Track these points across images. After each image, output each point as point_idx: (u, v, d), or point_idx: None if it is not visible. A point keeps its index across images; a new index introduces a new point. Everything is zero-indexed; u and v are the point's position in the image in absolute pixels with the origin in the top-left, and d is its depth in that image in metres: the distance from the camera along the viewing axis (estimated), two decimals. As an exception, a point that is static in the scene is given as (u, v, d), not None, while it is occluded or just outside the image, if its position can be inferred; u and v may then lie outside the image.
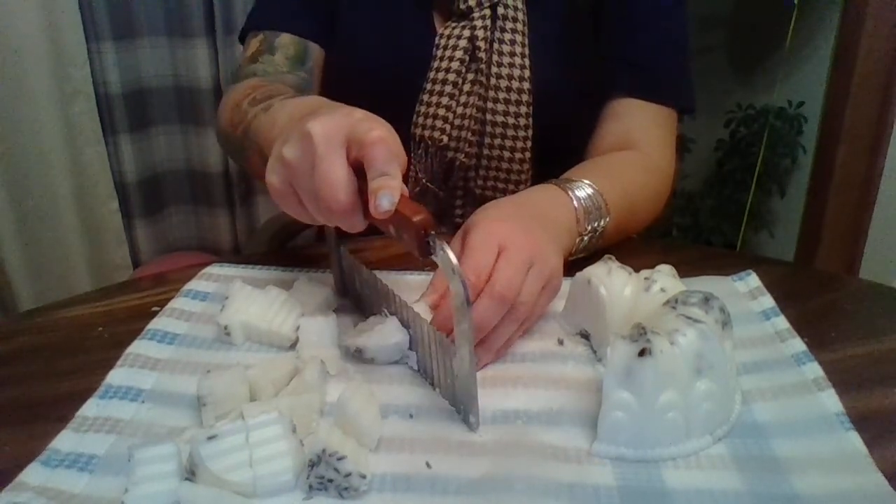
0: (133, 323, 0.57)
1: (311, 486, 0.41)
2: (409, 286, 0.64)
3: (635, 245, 0.74)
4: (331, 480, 0.40)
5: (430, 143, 0.80)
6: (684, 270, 0.56)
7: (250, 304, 0.56)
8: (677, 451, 0.43)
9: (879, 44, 1.63)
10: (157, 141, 1.64)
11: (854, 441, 0.43)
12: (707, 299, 0.47)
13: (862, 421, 0.44)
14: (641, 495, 0.41)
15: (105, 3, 1.47)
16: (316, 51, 0.83)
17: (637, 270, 0.54)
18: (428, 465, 0.43)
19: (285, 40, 0.81)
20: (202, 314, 0.59)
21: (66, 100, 1.45)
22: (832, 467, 0.42)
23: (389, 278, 0.65)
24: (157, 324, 0.57)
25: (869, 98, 1.66)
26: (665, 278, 0.53)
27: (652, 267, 0.54)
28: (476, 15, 0.78)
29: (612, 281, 0.53)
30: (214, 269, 0.66)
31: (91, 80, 1.49)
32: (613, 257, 0.55)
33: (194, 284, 0.63)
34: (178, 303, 0.60)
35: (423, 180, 0.83)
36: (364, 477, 0.40)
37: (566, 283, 0.58)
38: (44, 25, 1.38)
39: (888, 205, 1.66)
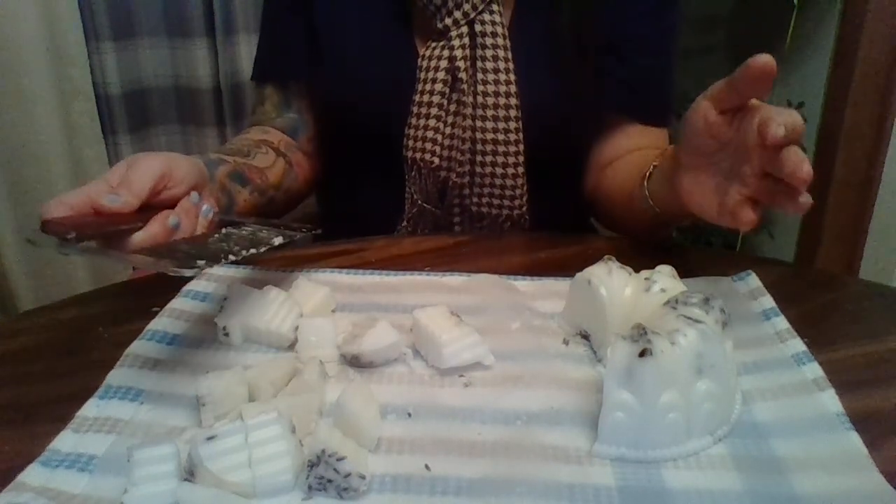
0: (133, 323, 0.57)
1: (310, 487, 0.41)
2: (409, 286, 0.64)
3: (635, 245, 0.74)
4: (330, 481, 0.40)
5: (421, 164, 0.81)
6: (684, 271, 0.56)
7: (249, 304, 0.56)
8: (678, 452, 0.43)
9: (879, 44, 1.63)
10: (158, 141, 1.64)
11: (854, 441, 0.43)
12: (707, 300, 0.47)
13: (862, 421, 0.44)
14: (642, 496, 0.41)
15: (105, 3, 1.47)
16: (301, 90, 0.89)
17: (637, 271, 0.54)
18: (427, 467, 0.43)
19: (269, 91, 0.90)
20: (201, 315, 0.59)
21: (66, 100, 1.45)
22: (832, 467, 0.41)
23: (391, 279, 0.65)
24: (156, 324, 0.57)
25: (869, 98, 1.66)
26: (665, 279, 0.53)
27: (652, 267, 0.54)
28: (453, 34, 0.78)
29: (612, 281, 0.53)
30: (214, 270, 0.66)
31: (91, 80, 1.48)
32: (614, 258, 0.55)
33: (194, 285, 0.63)
34: (177, 303, 0.60)
35: (420, 201, 0.84)
36: (363, 477, 0.40)
37: (566, 284, 0.58)
38: (44, 25, 1.38)
39: (888, 205, 1.66)
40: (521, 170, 0.82)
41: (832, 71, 1.75)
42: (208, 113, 1.61)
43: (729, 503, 0.40)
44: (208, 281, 0.64)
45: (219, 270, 0.66)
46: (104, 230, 0.52)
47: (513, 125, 0.79)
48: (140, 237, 0.53)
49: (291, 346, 0.55)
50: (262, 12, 0.91)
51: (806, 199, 0.50)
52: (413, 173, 0.83)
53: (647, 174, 0.69)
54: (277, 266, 0.68)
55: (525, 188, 0.83)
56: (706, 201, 0.58)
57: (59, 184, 1.46)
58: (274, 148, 0.83)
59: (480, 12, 0.78)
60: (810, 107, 1.84)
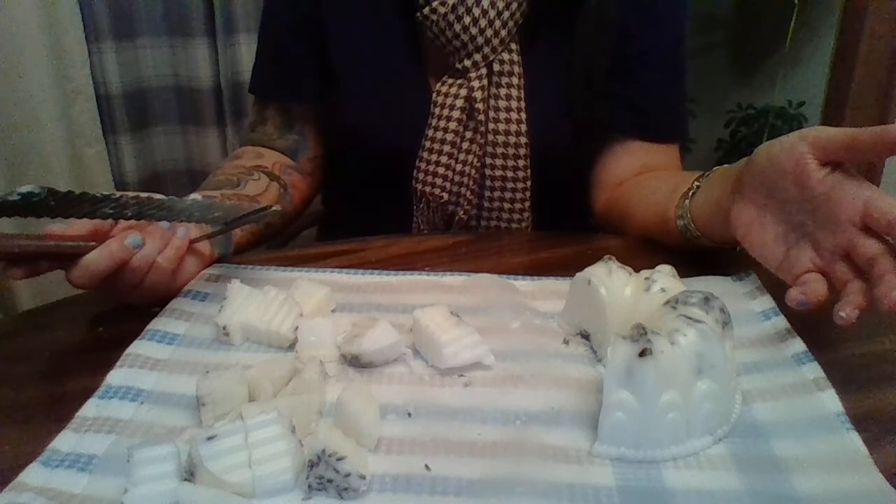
0: (133, 323, 0.57)
1: (310, 487, 0.41)
2: (409, 286, 0.64)
3: (635, 245, 0.74)
4: (330, 481, 0.40)
5: (430, 198, 0.82)
6: (684, 270, 0.56)
7: (249, 304, 0.56)
8: (678, 452, 0.43)
9: (879, 44, 1.63)
10: (158, 141, 1.64)
11: (854, 441, 0.43)
12: (707, 299, 0.47)
13: (862, 421, 0.44)
14: (642, 496, 0.41)
15: (105, 3, 1.48)
16: (304, 112, 0.88)
17: (637, 270, 0.54)
18: (427, 467, 0.43)
19: (272, 111, 0.89)
20: (201, 314, 0.59)
21: (66, 100, 1.45)
22: (832, 467, 0.41)
23: (391, 279, 0.65)
24: (156, 324, 0.57)
25: (869, 98, 1.66)
26: (665, 278, 0.53)
27: (652, 267, 0.54)
28: (473, 74, 0.78)
29: (612, 281, 0.53)
30: (214, 270, 0.66)
31: (91, 80, 1.49)
32: (614, 257, 0.55)
33: (194, 285, 0.63)
34: (177, 303, 0.60)
35: (425, 231, 0.84)
36: (364, 477, 0.40)
37: (566, 284, 0.58)
38: (44, 25, 1.38)
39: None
40: (527, 204, 0.83)
41: (832, 71, 1.75)
42: (208, 113, 1.61)
43: (729, 503, 0.40)
44: (208, 281, 0.64)
45: (218, 270, 0.66)
46: (47, 250, 0.53)
47: (521, 163, 0.80)
48: (94, 256, 0.54)
49: (291, 346, 0.55)
50: (260, 27, 0.90)
51: (853, 316, 0.48)
52: (421, 205, 0.83)
53: (689, 193, 0.66)
54: (277, 266, 0.68)
55: (530, 220, 0.84)
56: (767, 249, 0.55)
57: (59, 184, 1.46)
58: (267, 172, 0.82)
59: (499, 53, 0.78)
60: (810, 107, 1.84)
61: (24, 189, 0.47)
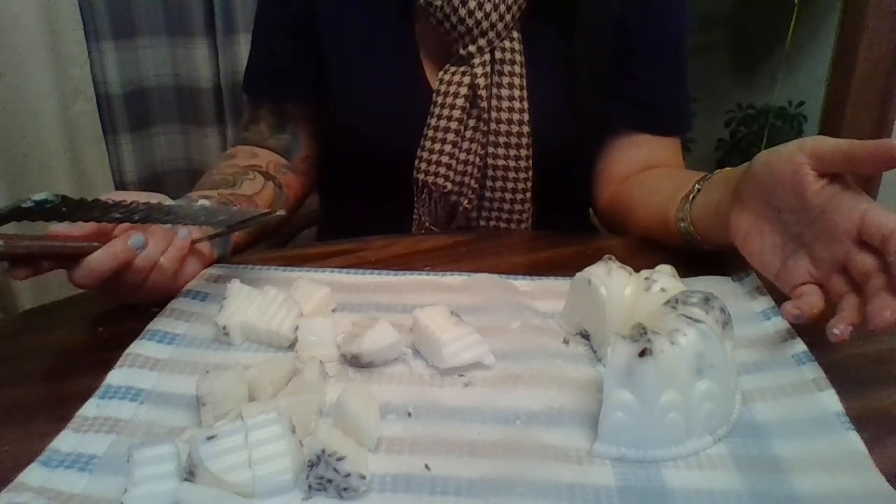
0: (133, 323, 0.57)
1: (310, 487, 0.41)
2: (409, 286, 0.64)
3: (635, 245, 0.74)
4: (330, 481, 0.40)
5: (433, 188, 0.81)
6: (684, 270, 0.56)
7: (248, 304, 0.56)
8: (678, 452, 0.43)
9: (879, 44, 1.63)
10: (158, 141, 1.64)
11: (854, 441, 0.43)
12: (707, 299, 0.47)
13: (862, 421, 0.44)
14: (642, 496, 0.41)
15: (105, 3, 1.47)
16: (298, 111, 0.88)
17: (637, 270, 0.54)
18: (427, 467, 0.43)
19: (265, 111, 0.89)
20: (201, 314, 0.59)
21: (66, 100, 1.45)
22: (832, 467, 0.41)
23: (391, 279, 0.65)
24: (156, 324, 0.57)
25: (869, 98, 1.66)
26: (665, 278, 0.53)
27: (652, 267, 0.54)
28: (476, 61, 0.78)
29: (612, 281, 0.53)
30: (214, 270, 0.66)
31: (91, 80, 1.49)
32: (614, 257, 0.55)
33: (194, 284, 0.63)
34: (177, 303, 0.60)
35: (427, 223, 0.84)
36: (364, 477, 0.40)
37: (566, 283, 0.58)
38: (44, 25, 1.38)
39: (889, 204, 1.66)
40: (528, 195, 0.82)
41: (832, 71, 1.75)
42: (208, 112, 1.61)
43: (729, 503, 0.40)
44: (208, 281, 0.64)
45: (218, 270, 0.66)
46: (50, 251, 0.53)
47: (524, 152, 0.80)
48: (97, 256, 0.54)
49: (291, 345, 0.55)
50: (253, 27, 0.90)
51: (846, 333, 0.48)
52: (423, 196, 0.83)
53: (690, 196, 0.66)
54: (277, 266, 0.68)
55: (531, 211, 0.84)
56: (766, 258, 0.56)
57: (59, 184, 1.46)
58: (262, 172, 0.82)
59: (502, 39, 0.78)
60: (810, 107, 1.84)
61: (39, 196, 0.47)
